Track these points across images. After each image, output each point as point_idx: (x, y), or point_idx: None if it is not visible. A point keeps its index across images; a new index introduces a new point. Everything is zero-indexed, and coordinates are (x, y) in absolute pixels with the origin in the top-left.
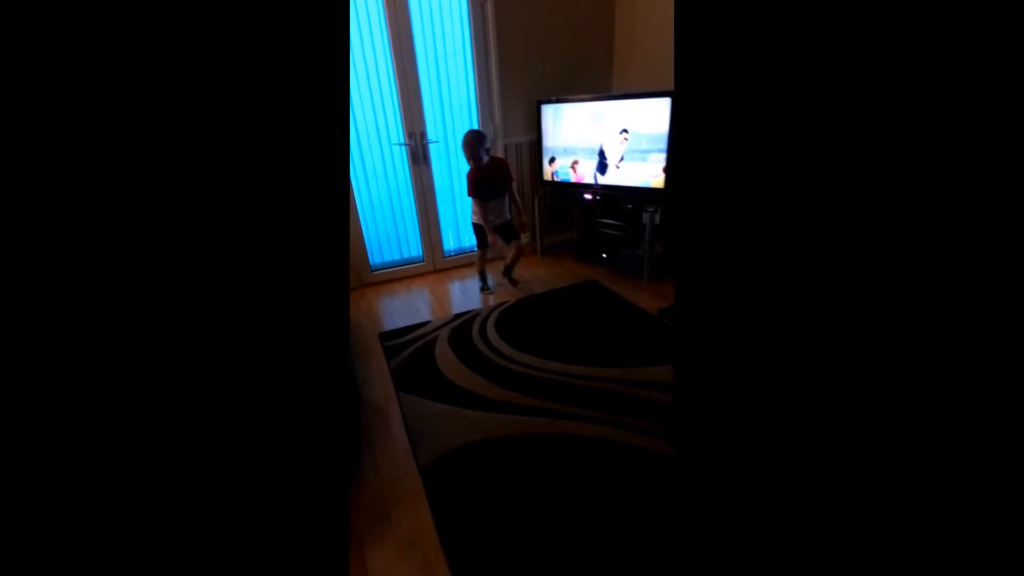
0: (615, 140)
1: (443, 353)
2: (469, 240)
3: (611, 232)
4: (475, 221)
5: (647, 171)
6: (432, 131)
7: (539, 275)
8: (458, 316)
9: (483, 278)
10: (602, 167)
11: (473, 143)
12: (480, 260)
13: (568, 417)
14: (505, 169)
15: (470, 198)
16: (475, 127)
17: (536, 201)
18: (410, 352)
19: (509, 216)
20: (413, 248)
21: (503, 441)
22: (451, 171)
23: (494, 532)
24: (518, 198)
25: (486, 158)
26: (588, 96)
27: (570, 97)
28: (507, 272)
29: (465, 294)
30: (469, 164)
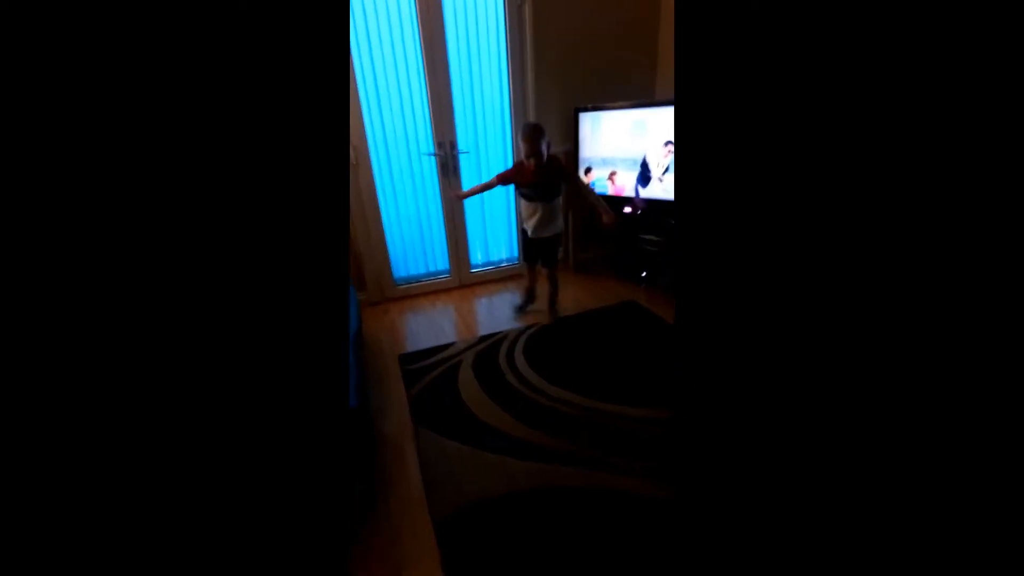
0: (659, 151)
1: (467, 381)
2: (497, 254)
3: (652, 248)
4: (522, 228)
5: None
6: (463, 141)
7: (572, 294)
8: (484, 338)
9: (530, 296)
10: (644, 179)
11: (533, 136)
12: (530, 276)
13: (603, 467)
14: (559, 169)
15: (502, 185)
16: (508, 137)
17: (571, 214)
18: (432, 378)
19: (560, 229)
20: (440, 261)
21: (528, 495)
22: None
23: None
24: (584, 188)
25: (547, 153)
26: (629, 103)
27: (609, 104)
28: (551, 303)
29: (492, 313)
30: (528, 161)
